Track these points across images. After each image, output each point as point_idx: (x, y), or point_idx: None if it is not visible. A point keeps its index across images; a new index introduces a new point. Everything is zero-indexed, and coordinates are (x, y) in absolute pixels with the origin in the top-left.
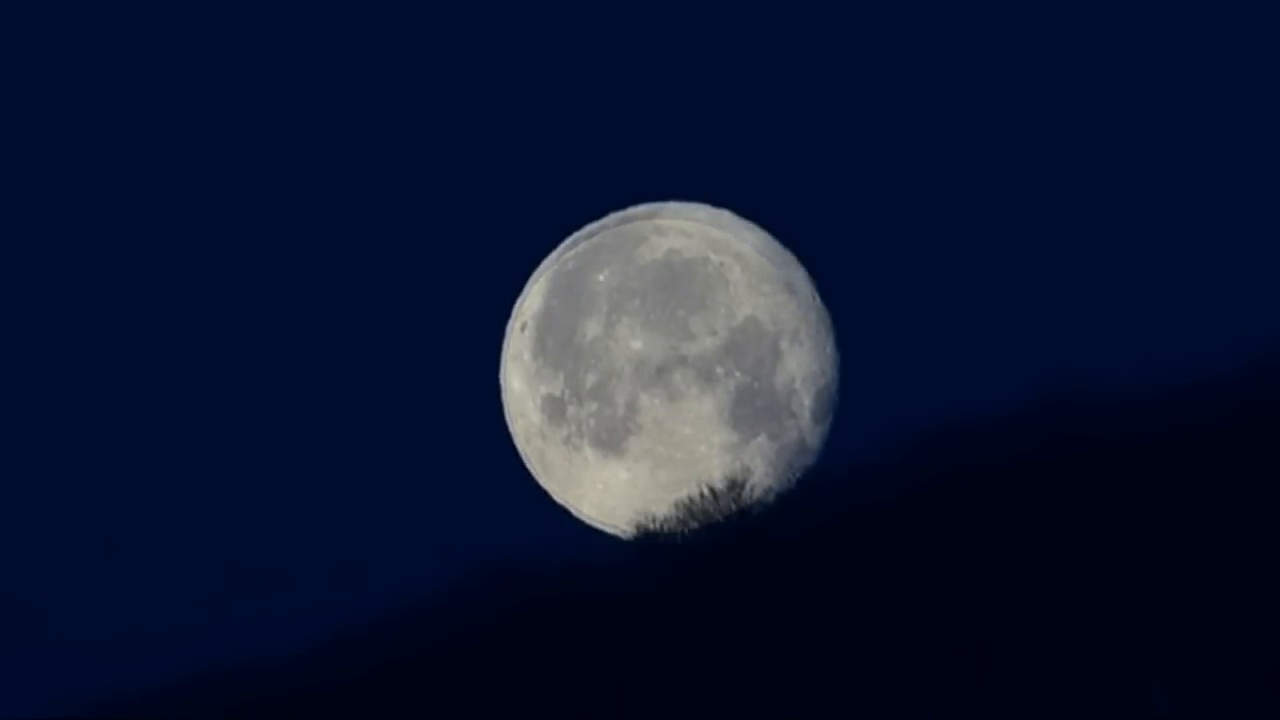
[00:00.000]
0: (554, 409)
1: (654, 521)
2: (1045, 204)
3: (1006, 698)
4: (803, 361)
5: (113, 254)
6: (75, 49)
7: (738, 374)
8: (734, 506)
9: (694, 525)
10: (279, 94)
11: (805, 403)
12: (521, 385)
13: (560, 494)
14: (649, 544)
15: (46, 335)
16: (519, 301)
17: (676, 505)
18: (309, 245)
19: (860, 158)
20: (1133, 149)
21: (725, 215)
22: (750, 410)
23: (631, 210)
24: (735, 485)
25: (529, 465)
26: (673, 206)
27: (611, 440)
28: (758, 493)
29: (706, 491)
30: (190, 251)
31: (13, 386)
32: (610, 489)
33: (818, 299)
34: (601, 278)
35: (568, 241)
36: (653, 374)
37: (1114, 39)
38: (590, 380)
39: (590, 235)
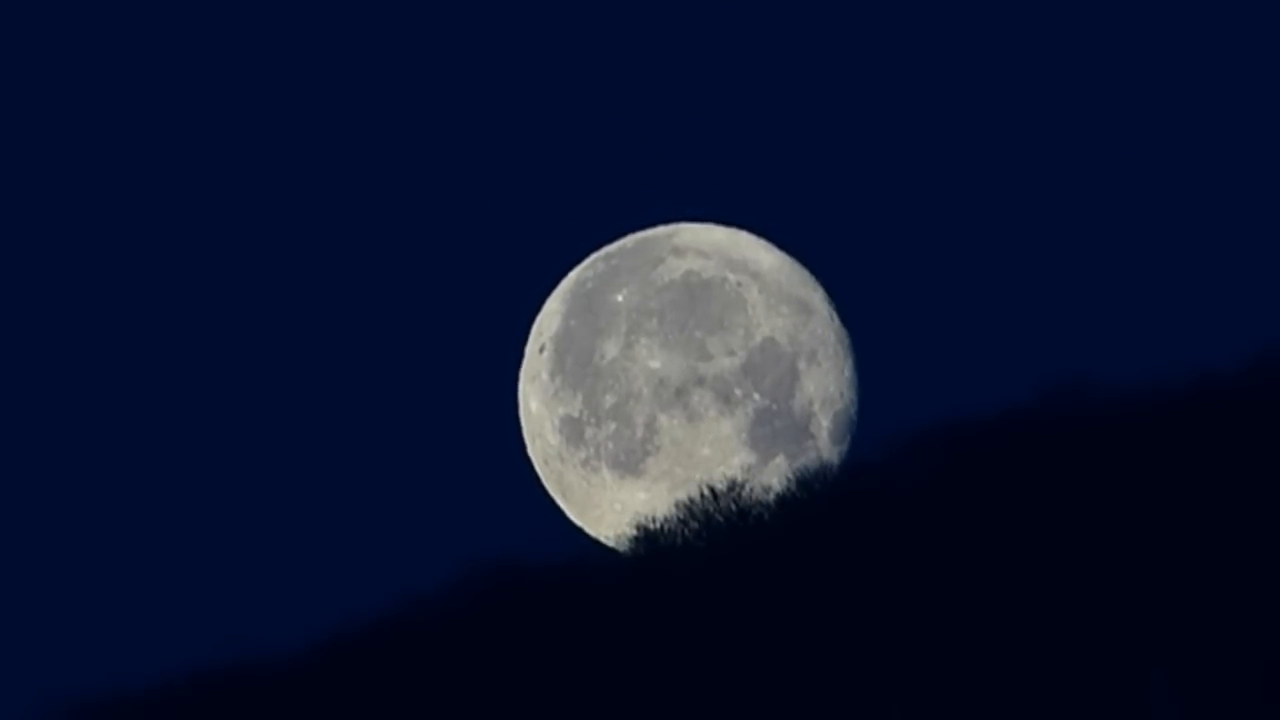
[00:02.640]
0: (572, 430)
1: (654, 522)
2: (1052, 215)
3: (1008, 690)
4: (821, 383)
5: (143, 268)
6: (105, 56)
7: (756, 396)
8: (734, 506)
9: (694, 525)
10: (305, 116)
11: (824, 424)
12: (540, 406)
13: (578, 516)
14: (650, 545)
15: (57, 338)
16: (537, 321)
17: (677, 505)
18: (330, 268)
19: (877, 179)
20: (1134, 154)
21: (743, 236)
22: (769, 431)
23: (650, 231)
24: (735, 485)
25: (547, 487)
26: (691, 227)
27: (630, 461)
28: (758, 493)
29: (706, 492)
30: (225, 268)
31: (15, 386)
32: (628, 510)
33: (836, 319)
34: (620, 298)
35: (586, 262)
36: (671, 395)
37: (1112, 47)
38: (609, 401)
39: (609, 256)
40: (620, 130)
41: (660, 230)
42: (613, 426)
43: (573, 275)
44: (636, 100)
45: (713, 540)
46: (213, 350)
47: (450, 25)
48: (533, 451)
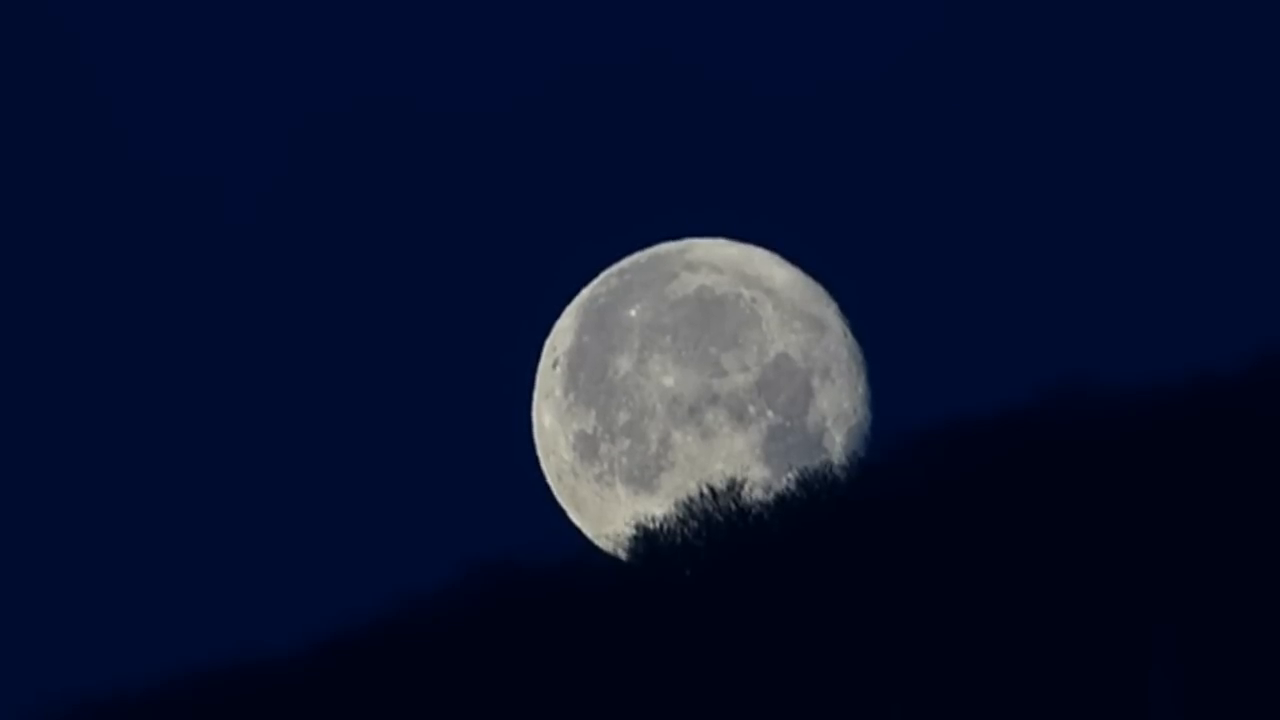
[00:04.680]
0: (586, 446)
1: (654, 522)
2: (1054, 219)
3: (1008, 690)
4: (834, 400)
5: (154, 273)
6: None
7: (770, 413)
8: (734, 506)
9: (694, 525)
10: (325, 130)
11: (837, 440)
12: (553, 422)
13: (592, 531)
14: (650, 545)
15: (58, 339)
16: (550, 337)
17: (676, 505)
18: (344, 283)
19: (890, 195)
20: (1134, 155)
21: (756, 251)
22: (782, 447)
23: (663, 246)
24: (735, 485)
25: (560, 502)
26: (704, 243)
27: (644, 477)
28: (758, 492)
29: (706, 491)
30: (241, 273)
31: (15, 386)
32: None
33: (849, 335)
34: (633, 313)
35: (599, 278)
36: (685, 412)
37: (1113, 49)
38: (623, 417)
39: (622, 271)
40: (633, 146)
41: (673, 245)
42: (627, 442)
43: (586, 291)
44: (649, 115)
45: (712, 540)
46: (224, 355)
47: (464, 41)
48: (546, 467)
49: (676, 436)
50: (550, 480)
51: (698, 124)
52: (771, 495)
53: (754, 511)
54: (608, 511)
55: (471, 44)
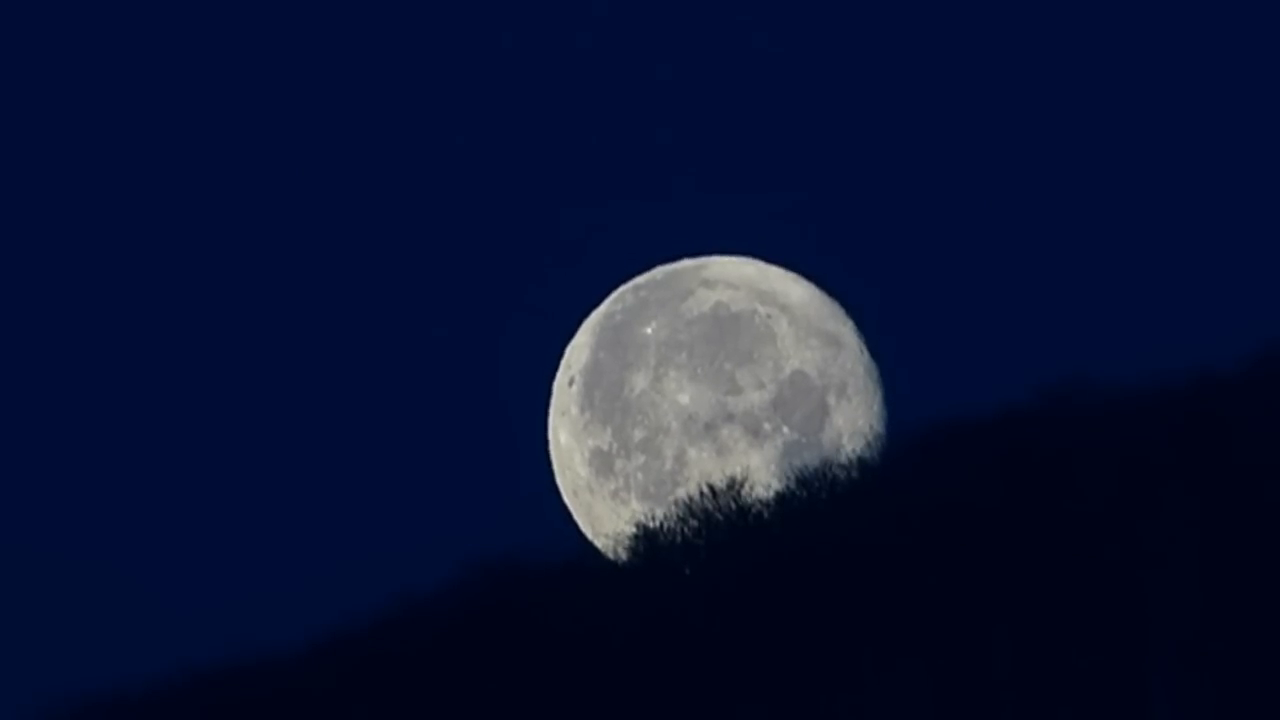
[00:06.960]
0: (601, 463)
1: (654, 522)
2: (1055, 219)
3: (1008, 689)
4: (850, 416)
5: (161, 274)
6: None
7: (785, 430)
8: (734, 506)
9: (694, 525)
10: (343, 149)
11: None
12: (569, 439)
13: (607, 548)
14: (649, 544)
15: (58, 339)
16: (566, 354)
17: (676, 505)
18: (360, 300)
19: (904, 210)
20: (1134, 155)
21: (772, 269)
22: (798, 463)
23: (679, 264)
24: (735, 485)
25: (576, 518)
26: (720, 260)
27: (659, 493)
28: (758, 492)
29: (706, 491)
30: (256, 282)
31: (15, 387)
32: None
33: (865, 352)
34: (649, 330)
35: (615, 294)
36: (701, 429)
37: (1112, 49)
38: (638, 434)
39: (638, 288)
40: (649, 164)
41: (689, 263)
42: (642, 459)
43: (601, 308)
44: (665, 134)
45: (712, 540)
46: (240, 362)
47: (480, 59)
48: (562, 483)
49: (692, 453)
50: (566, 496)
51: (714, 142)
52: (771, 494)
53: (754, 511)
54: (622, 528)
55: (478, 49)
